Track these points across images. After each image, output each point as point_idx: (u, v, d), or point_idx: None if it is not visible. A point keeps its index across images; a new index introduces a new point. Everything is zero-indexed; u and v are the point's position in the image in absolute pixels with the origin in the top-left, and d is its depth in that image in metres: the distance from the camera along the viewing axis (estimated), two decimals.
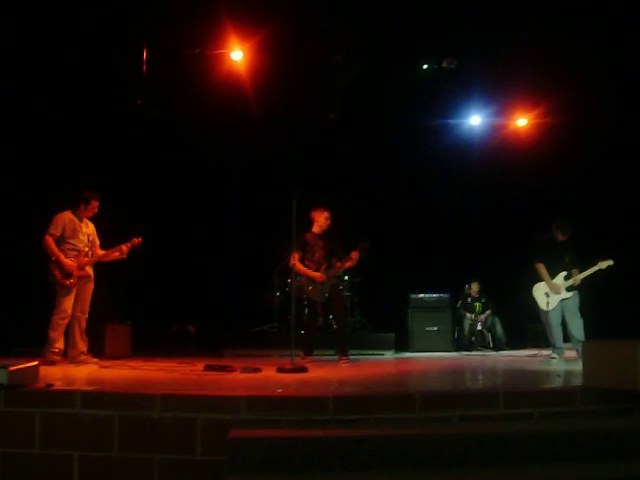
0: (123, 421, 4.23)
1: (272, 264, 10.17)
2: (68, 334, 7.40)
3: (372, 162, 11.17)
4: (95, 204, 7.56)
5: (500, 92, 10.70)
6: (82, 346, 7.40)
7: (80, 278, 7.37)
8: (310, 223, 8.16)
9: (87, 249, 7.51)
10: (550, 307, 8.20)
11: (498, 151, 11.27)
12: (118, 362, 7.52)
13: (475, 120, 11.47)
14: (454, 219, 11.55)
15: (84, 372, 6.53)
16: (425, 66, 10.43)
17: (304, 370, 6.35)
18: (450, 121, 11.33)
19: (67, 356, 7.37)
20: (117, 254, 7.60)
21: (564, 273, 8.24)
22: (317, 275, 7.91)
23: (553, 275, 8.29)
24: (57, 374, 6.01)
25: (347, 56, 10.06)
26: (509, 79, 10.20)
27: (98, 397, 4.35)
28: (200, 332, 10.21)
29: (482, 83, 10.44)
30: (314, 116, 10.82)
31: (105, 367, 7.02)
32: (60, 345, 7.25)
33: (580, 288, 8.24)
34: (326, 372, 6.58)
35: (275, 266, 10.14)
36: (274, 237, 8.75)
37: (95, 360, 7.38)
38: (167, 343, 9.85)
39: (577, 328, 8.10)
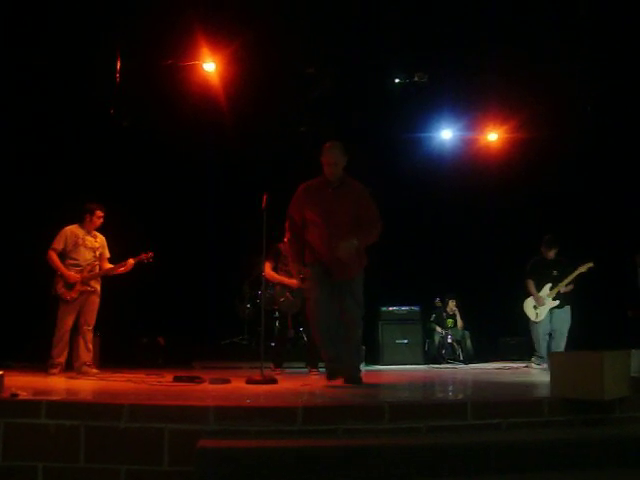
0: (89, 431, 4.16)
1: (243, 275, 10.14)
2: (72, 346, 7.47)
3: None
4: (100, 214, 7.61)
5: (471, 107, 10.81)
6: (86, 357, 7.43)
7: (82, 293, 7.41)
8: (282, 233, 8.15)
9: (93, 263, 7.54)
10: (539, 318, 8.55)
11: (469, 166, 11.36)
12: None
13: (446, 134, 11.56)
14: (424, 232, 11.60)
15: (51, 382, 6.44)
16: (397, 80, 10.50)
17: (274, 381, 6.32)
18: (422, 135, 11.41)
19: (73, 368, 7.41)
20: (122, 269, 7.65)
21: (549, 284, 8.57)
22: (293, 282, 7.89)
23: (540, 288, 8.59)
24: (24, 384, 5.91)
25: (319, 69, 10.10)
26: (480, 94, 10.32)
27: (64, 407, 4.28)
28: (170, 344, 10.13)
29: (453, 97, 10.55)
30: (286, 128, 10.83)
31: (72, 378, 6.95)
32: (61, 359, 7.30)
33: (571, 302, 8.57)
34: (296, 384, 6.55)
35: (246, 277, 10.10)
36: (245, 248, 8.73)
37: (95, 371, 7.35)
38: (136, 355, 9.76)
39: (558, 346, 8.32)
